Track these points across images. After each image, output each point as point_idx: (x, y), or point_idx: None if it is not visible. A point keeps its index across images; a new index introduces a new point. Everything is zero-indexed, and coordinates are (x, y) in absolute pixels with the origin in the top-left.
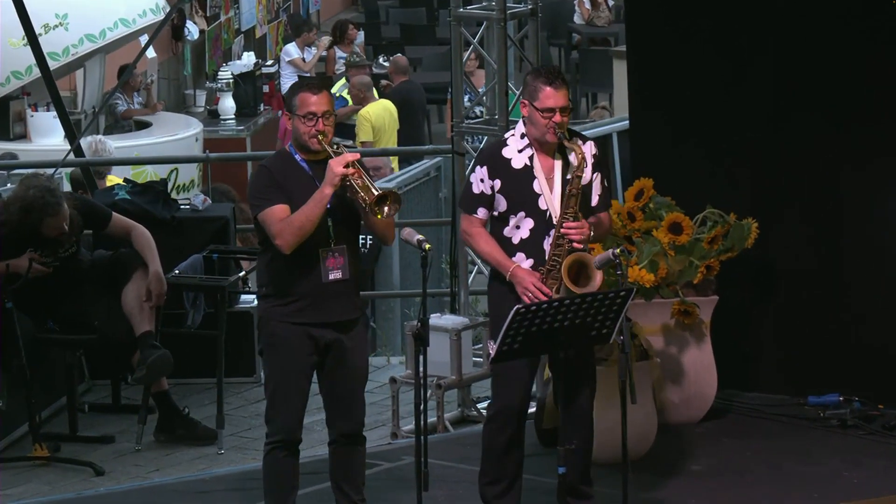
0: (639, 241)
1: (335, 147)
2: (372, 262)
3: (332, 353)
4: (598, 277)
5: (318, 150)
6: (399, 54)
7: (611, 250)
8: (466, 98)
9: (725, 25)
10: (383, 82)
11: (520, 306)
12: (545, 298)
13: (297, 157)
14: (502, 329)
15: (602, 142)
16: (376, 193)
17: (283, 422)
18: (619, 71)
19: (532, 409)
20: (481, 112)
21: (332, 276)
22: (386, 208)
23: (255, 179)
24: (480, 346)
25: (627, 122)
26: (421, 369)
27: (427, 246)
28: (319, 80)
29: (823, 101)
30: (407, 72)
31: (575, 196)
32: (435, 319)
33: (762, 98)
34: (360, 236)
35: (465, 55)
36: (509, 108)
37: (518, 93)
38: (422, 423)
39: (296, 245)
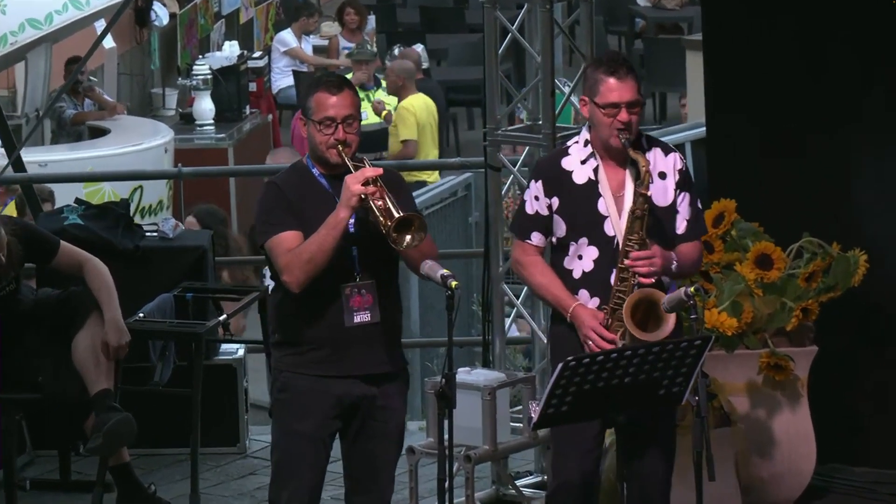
0: (718, 277)
1: (358, 160)
2: None
3: (361, 414)
4: (671, 321)
5: (337, 164)
6: (418, 45)
7: (683, 289)
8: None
9: (825, 8)
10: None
11: (569, 358)
12: (608, 346)
13: (315, 171)
14: (548, 386)
15: None
16: (396, 216)
17: (291, 501)
18: (694, 65)
19: None
20: (522, 117)
21: (357, 319)
22: (408, 237)
23: (263, 199)
24: (520, 407)
25: (703, 128)
26: (446, 437)
27: (453, 283)
28: (340, 78)
29: None
30: (419, 67)
31: (640, 219)
32: (463, 375)
33: (874, 101)
34: None
35: (502, 45)
36: (556, 112)
37: (567, 92)
38: (447, 503)
39: (307, 282)
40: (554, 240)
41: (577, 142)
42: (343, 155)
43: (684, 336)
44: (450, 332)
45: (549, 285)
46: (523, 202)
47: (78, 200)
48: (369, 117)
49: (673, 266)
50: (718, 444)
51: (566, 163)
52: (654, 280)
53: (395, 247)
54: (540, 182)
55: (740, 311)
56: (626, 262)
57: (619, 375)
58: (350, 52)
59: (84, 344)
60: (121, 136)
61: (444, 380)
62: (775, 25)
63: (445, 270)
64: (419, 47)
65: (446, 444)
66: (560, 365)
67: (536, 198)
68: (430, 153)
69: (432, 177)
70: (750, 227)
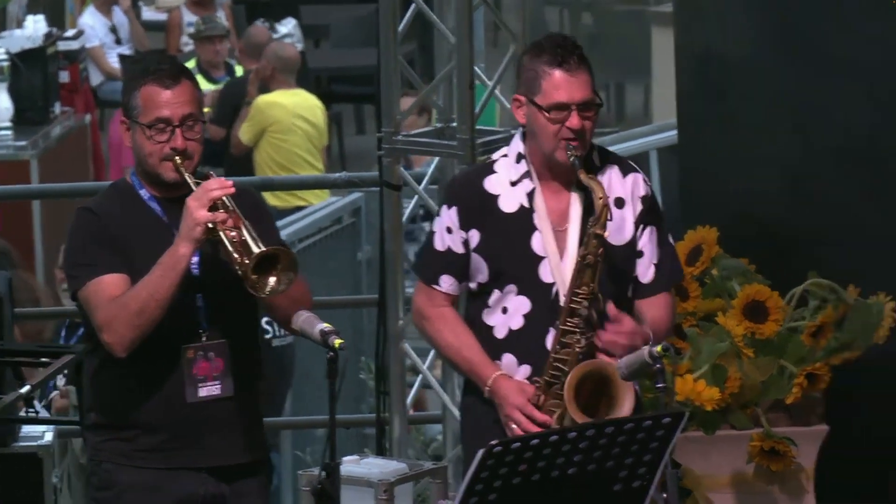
0: (693, 332)
1: (203, 176)
2: None
3: None
4: (629, 402)
5: (174, 182)
6: (289, 19)
7: (647, 348)
8: None
9: None
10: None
11: (493, 442)
12: (540, 430)
13: (144, 193)
14: (465, 480)
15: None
16: (256, 251)
17: None
18: (662, 45)
19: None
20: (432, 117)
21: (203, 393)
22: (272, 279)
23: (74, 232)
24: None
25: (675, 132)
26: None
27: (337, 342)
28: (176, 64)
29: None
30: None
31: (592, 267)
32: (351, 466)
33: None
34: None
35: (403, 20)
36: (476, 111)
37: (490, 84)
38: None
39: (136, 342)
40: (473, 285)
41: (505, 155)
42: (182, 169)
43: (647, 413)
44: (332, 407)
45: (463, 347)
46: (431, 234)
47: None
48: None
49: (650, 334)
50: None
51: (490, 184)
52: (621, 352)
53: (255, 293)
54: (454, 209)
55: (724, 379)
56: (606, 337)
57: (561, 465)
58: (195, 27)
59: None
60: None
61: (324, 472)
62: None
63: (326, 325)
64: (291, 22)
65: None
66: (481, 452)
67: (449, 229)
68: (313, 170)
69: (317, 199)
70: (737, 265)
